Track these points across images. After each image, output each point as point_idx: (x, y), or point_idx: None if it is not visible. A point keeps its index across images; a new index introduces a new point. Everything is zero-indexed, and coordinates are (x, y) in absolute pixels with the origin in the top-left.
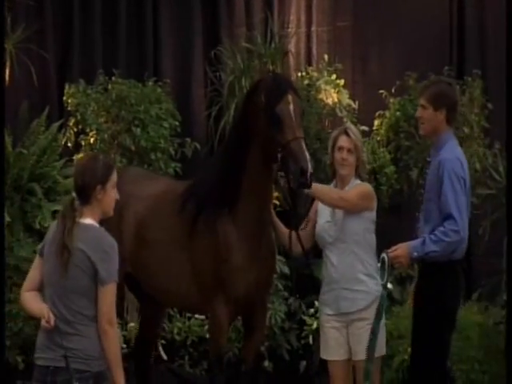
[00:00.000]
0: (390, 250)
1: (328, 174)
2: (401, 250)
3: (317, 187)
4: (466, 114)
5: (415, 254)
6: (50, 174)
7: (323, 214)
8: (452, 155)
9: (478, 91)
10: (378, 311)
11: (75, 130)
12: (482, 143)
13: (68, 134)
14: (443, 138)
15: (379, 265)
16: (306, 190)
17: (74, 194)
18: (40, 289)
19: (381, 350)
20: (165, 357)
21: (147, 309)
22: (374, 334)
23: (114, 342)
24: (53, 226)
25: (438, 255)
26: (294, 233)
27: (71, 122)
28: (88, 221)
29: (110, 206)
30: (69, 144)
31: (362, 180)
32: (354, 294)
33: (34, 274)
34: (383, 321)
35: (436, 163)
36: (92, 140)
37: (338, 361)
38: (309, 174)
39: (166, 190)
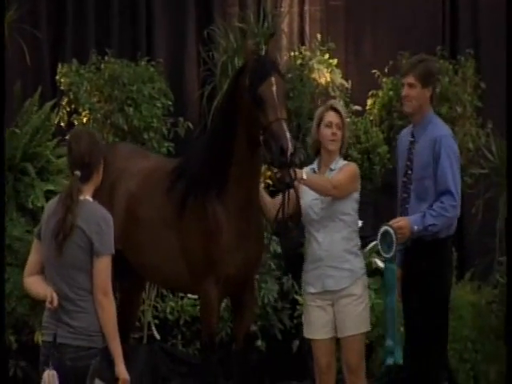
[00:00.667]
0: (391, 223)
1: None
2: (403, 222)
3: (309, 178)
4: (459, 93)
5: (415, 227)
6: (43, 153)
7: (309, 191)
8: (446, 132)
9: (470, 70)
10: (385, 287)
11: (68, 109)
12: (475, 123)
13: (61, 114)
14: (428, 116)
15: (378, 238)
16: (302, 182)
17: (77, 173)
18: (42, 272)
19: (366, 325)
20: (158, 336)
21: (128, 290)
22: (389, 310)
23: (110, 314)
24: (49, 207)
25: (436, 229)
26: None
27: (64, 102)
28: (85, 197)
29: (100, 180)
30: (62, 123)
31: (342, 157)
32: (340, 272)
33: (34, 258)
34: (395, 296)
35: (430, 141)
36: (85, 119)
37: (321, 340)
38: (289, 154)
39: (156, 166)
